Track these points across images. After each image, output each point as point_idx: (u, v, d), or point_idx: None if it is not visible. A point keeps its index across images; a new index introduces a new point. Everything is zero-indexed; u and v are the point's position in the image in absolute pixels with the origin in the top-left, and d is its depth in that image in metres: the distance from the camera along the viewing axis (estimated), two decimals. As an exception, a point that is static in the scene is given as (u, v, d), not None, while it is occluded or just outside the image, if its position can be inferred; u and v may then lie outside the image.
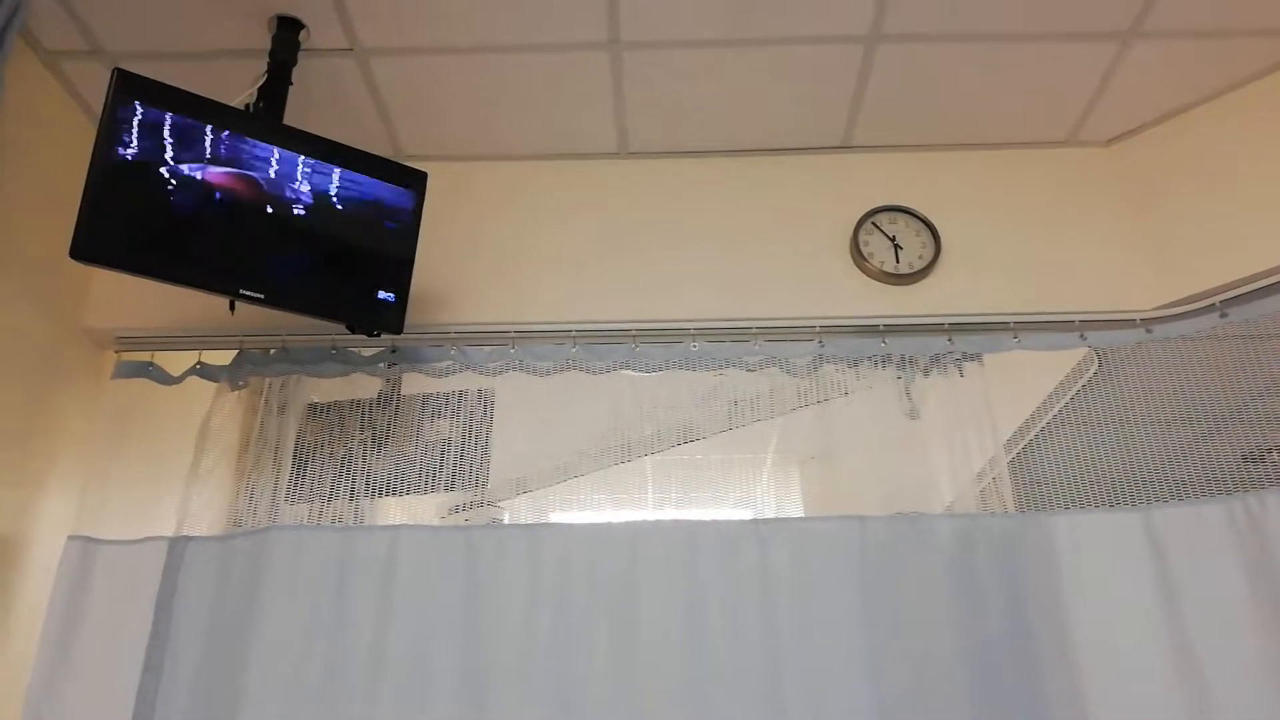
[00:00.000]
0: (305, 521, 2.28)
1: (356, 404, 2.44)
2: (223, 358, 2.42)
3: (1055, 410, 2.59)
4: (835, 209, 2.54)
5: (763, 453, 2.73)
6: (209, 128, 1.99)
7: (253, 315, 2.29)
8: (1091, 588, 2.02)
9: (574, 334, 2.43)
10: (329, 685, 1.99)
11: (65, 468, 2.29)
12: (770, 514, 2.45)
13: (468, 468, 2.35)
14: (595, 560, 2.11)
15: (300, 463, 2.36)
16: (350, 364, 2.41)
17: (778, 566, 2.09)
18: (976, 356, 2.39)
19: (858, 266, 2.47)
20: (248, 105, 2.16)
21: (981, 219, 2.52)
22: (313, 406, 2.45)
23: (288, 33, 2.22)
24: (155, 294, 2.37)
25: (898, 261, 2.45)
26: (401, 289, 2.19)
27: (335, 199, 2.13)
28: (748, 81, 2.42)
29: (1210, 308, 2.32)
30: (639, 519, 2.17)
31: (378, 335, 2.26)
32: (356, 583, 2.08)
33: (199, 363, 2.40)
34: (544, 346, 2.43)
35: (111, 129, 1.88)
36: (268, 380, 2.43)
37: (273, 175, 2.05)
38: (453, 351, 2.42)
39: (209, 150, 1.98)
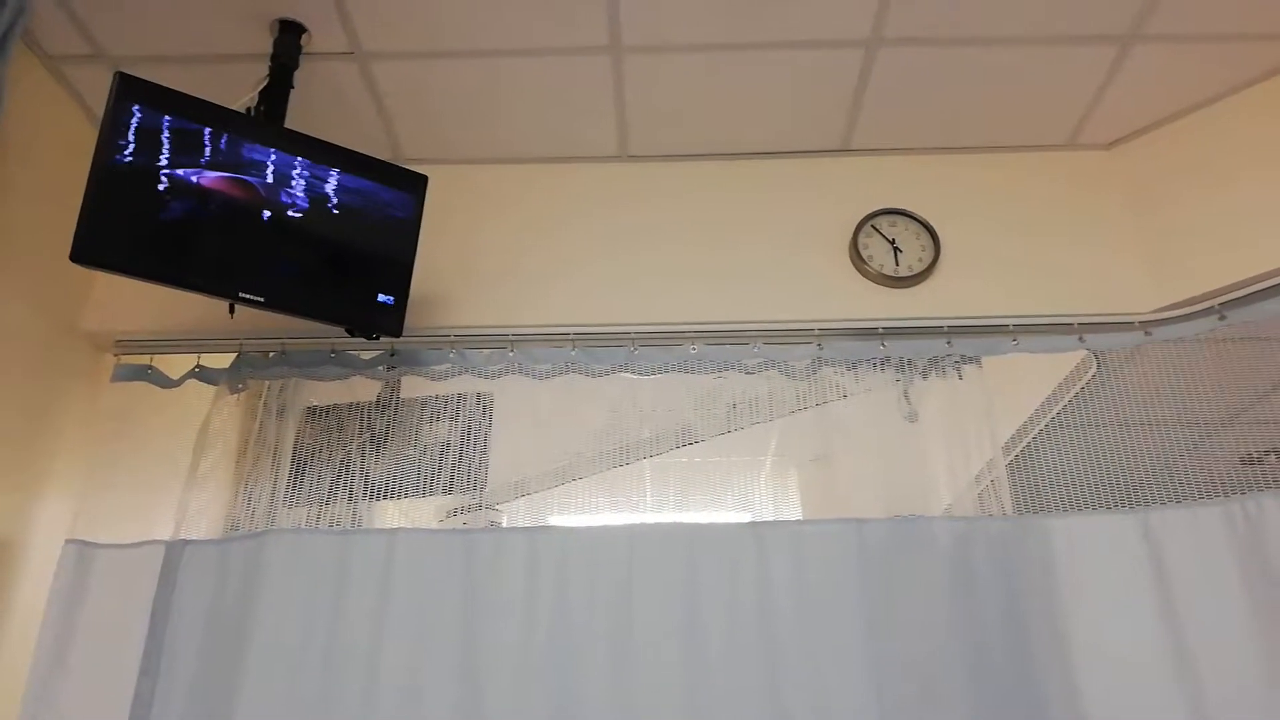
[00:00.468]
0: (303, 525, 2.28)
1: (355, 407, 2.44)
2: (222, 361, 2.42)
3: (1054, 413, 2.59)
4: (835, 212, 2.54)
5: (761, 455, 2.72)
6: (210, 131, 1.99)
7: (252, 318, 2.29)
8: (1089, 590, 2.02)
9: (573, 337, 2.43)
10: (326, 689, 1.99)
11: (63, 471, 2.29)
12: (769, 517, 2.44)
13: (466, 471, 2.35)
14: (594, 563, 2.10)
15: (299, 466, 2.36)
16: (349, 367, 2.42)
17: (776, 570, 2.09)
18: (975, 359, 2.39)
19: (857, 269, 2.47)
20: (249, 109, 2.17)
21: (981, 222, 2.53)
22: (311, 409, 2.45)
23: (289, 36, 2.23)
24: (154, 297, 2.37)
25: (897, 264, 2.45)
26: (401, 292, 2.19)
27: (335, 202, 2.13)
28: (748, 85, 2.42)
29: (1209, 310, 2.32)
30: (637, 522, 2.17)
31: (377, 338, 2.26)
32: (354, 586, 2.08)
33: (198, 366, 2.41)
34: (543, 349, 2.43)
35: (113, 132, 1.89)
36: (267, 383, 2.43)
37: (272, 179, 2.05)
38: (452, 354, 2.42)
39: (210, 154, 1.99)
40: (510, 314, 2.45)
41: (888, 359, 2.40)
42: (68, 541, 2.16)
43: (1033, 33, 2.26)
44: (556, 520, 2.31)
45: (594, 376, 2.41)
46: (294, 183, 2.08)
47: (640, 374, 2.41)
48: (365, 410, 2.44)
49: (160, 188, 1.92)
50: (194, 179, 1.96)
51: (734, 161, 2.65)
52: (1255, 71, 2.37)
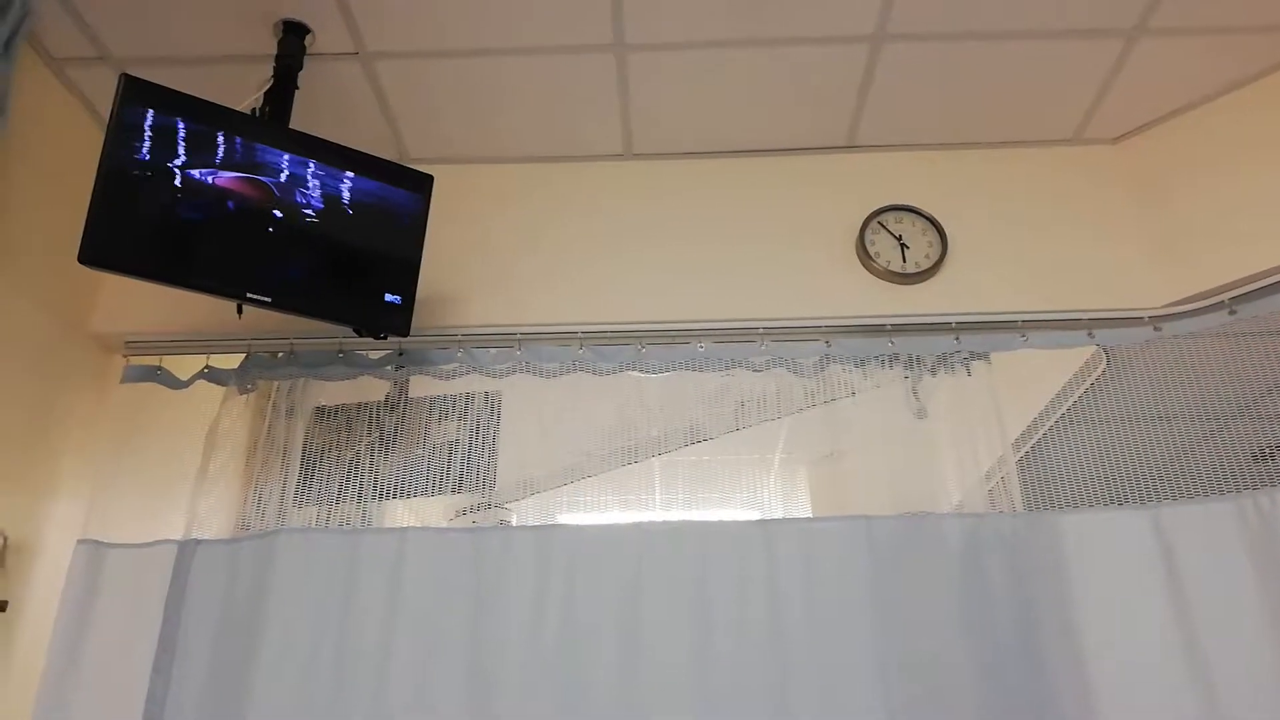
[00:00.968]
0: (313, 524, 2.29)
1: (364, 407, 2.45)
2: (230, 361, 2.42)
3: (1063, 409, 2.58)
4: (841, 209, 2.54)
5: (770, 453, 2.72)
6: (217, 133, 2.00)
7: (260, 319, 2.30)
8: (1100, 586, 2.01)
9: (580, 336, 2.43)
10: (337, 687, 2.00)
11: (74, 472, 2.30)
12: (778, 514, 2.44)
13: (475, 470, 2.35)
14: (603, 561, 2.11)
15: (308, 465, 2.36)
16: (357, 367, 2.42)
17: (785, 567, 2.09)
18: (984, 355, 2.38)
19: (864, 266, 2.46)
20: (254, 110, 2.17)
21: (988, 218, 2.52)
22: (320, 409, 2.45)
23: (293, 37, 2.23)
24: (163, 298, 2.38)
25: (904, 261, 2.44)
26: (408, 292, 2.20)
27: (344, 203, 2.13)
28: (753, 82, 2.42)
29: (1219, 305, 2.31)
30: (646, 520, 2.17)
31: (385, 338, 2.26)
32: (364, 585, 2.09)
33: (207, 366, 2.41)
34: (551, 348, 2.43)
35: (119, 134, 1.90)
36: (275, 383, 2.44)
37: (283, 180, 2.06)
38: (460, 354, 2.43)
39: (217, 155, 1.99)
40: (517, 313, 2.45)
41: (896, 356, 2.39)
42: (79, 542, 2.17)
43: (1038, 27, 2.25)
44: (566, 519, 2.31)
45: (602, 375, 2.41)
46: (309, 184, 2.08)
47: (648, 372, 2.41)
48: (374, 410, 2.44)
49: (169, 189, 1.92)
50: (205, 179, 1.96)
51: (739, 159, 2.65)
52: (1262, 64, 2.36)
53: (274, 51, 2.24)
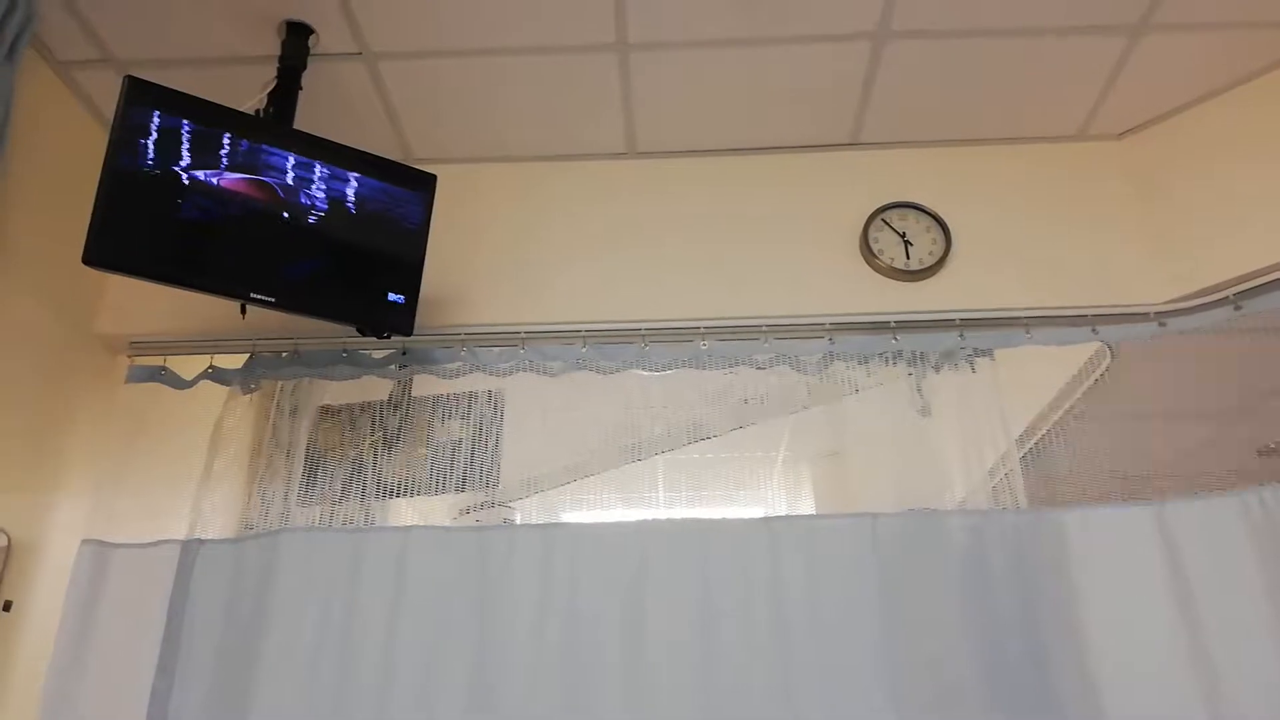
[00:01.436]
0: (317, 524, 2.29)
1: (367, 406, 2.45)
2: (234, 361, 2.43)
3: (1068, 405, 2.58)
4: (845, 206, 2.54)
5: (774, 451, 2.72)
6: (222, 134, 2.01)
7: (264, 319, 2.30)
8: (1105, 582, 2.01)
9: (583, 334, 2.43)
10: (340, 686, 2.00)
11: (79, 472, 2.30)
12: (782, 512, 2.43)
13: (479, 469, 2.36)
14: (606, 559, 2.10)
15: (312, 465, 2.37)
16: (361, 366, 2.42)
17: (789, 565, 2.09)
18: (988, 352, 2.38)
19: (868, 263, 2.46)
20: (258, 111, 2.18)
21: (992, 214, 2.51)
22: (324, 409, 2.45)
23: (297, 38, 2.24)
24: (167, 299, 2.39)
25: (908, 258, 2.44)
26: (411, 291, 2.20)
27: (348, 203, 2.13)
28: (755, 80, 2.42)
29: (1224, 301, 2.31)
30: (650, 518, 2.17)
31: (388, 337, 2.27)
32: (368, 584, 2.09)
33: (211, 367, 2.42)
34: (554, 347, 2.43)
35: (123, 136, 1.90)
36: (279, 383, 2.44)
37: (287, 180, 2.06)
38: (463, 353, 2.43)
39: (222, 156, 2.00)
40: (520, 312, 2.45)
41: (899, 353, 2.39)
42: (84, 541, 2.17)
43: (1042, 23, 2.25)
44: (569, 517, 2.31)
45: (605, 373, 2.41)
46: (313, 184, 2.09)
47: (651, 370, 2.41)
48: (377, 409, 2.44)
49: (173, 190, 1.93)
50: (209, 180, 1.97)
51: (742, 157, 2.65)
52: (1267, 60, 2.35)
53: (277, 52, 2.25)
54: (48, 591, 2.17)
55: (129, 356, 2.44)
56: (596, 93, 2.45)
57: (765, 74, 2.40)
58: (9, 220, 2.12)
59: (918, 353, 2.39)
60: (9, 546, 2.07)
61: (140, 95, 1.93)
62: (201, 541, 2.19)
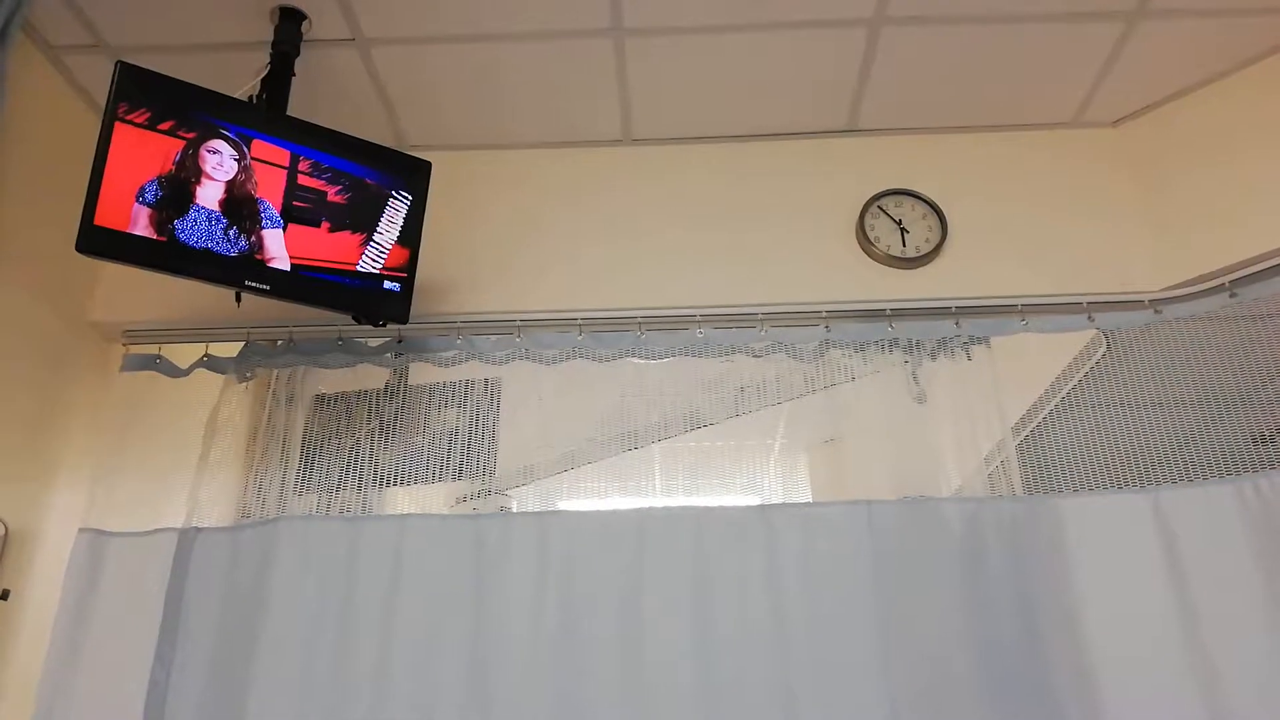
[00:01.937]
0: (313, 512, 2.29)
1: (363, 394, 2.45)
2: (230, 350, 2.43)
3: (1063, 393, 2.58)
4: (840, 193, 2.53)
5: (770, 438, 2.72)
6: (213, 120, 1.99)
7: (259, 307, 2.29)
8: (1100, 569, 2.02)
9: (580, 322, 2.42)
10: (338, 674, 2.00)
11: (74, 461, 2.30)
12: (778, 500, 2.44)
13: (475, 457, 2.36)
14: (603, 547, 2.11)
15: (308, 453, 2.37)
16: (357, 355, 2.42)
17: (786, 552, 2.09)
18: (984, 339, 2.38)
19: (864, 251, 2.46)
20: (251, 97, 2.16)
21: (988, 201, 2.51)
22: (320, 397, 2.45)
23: (290, 24, 2.22)
24: (162, 287, 2.38)
25: (904, 245, 2.44)
26: (407, 279, 2.19)
27: (341, 189, 2.12)
28: (751, 66, 2.41)
29: (1219, 288, 2.31)
30: (646, 506, 2.17)
31: (384, 325, 2.26)
32: (365, 572, 2.09)
33: (206, 355, 2.41)
34: (550, 335, 2.42)
35: (115, 122, 1.89)
36: (275, 372, 2.44)
37: (279, 167, 2.05)
38: (459, 341, 2.42)
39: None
40: (516, 300, 2.44)
41: (896, 340, 2.39)
42: (81, 530, 2.17)
43: (1037, 10, 2.24)
44: (566, 505, 2.31)
45: (601, 361, 2.41)
46: (300, 170, 2.08)
47: (648, 358, 2.41)
48: (373, 397, 2.44)
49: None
50: (203, 168, 1.96)
51: (738, 144, 2.64)
52: (1262, 47, 2.35)
53: (270, 38, 2.23)
54: (45, 580, 2.17)
55: (124, 345, 2.43)
56: (592, 79, 2.44)
57: (761, 60, 2.39)
58: (1, 208, 2.11)
59: (914, 340, 2.39)
60: (6, 535, 2.07)
61: (131, 81, 1.92)
62: (199, 530, 2.20)
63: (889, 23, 2.27)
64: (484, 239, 2.52)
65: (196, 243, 1.95)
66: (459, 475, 2.35)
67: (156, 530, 2.19)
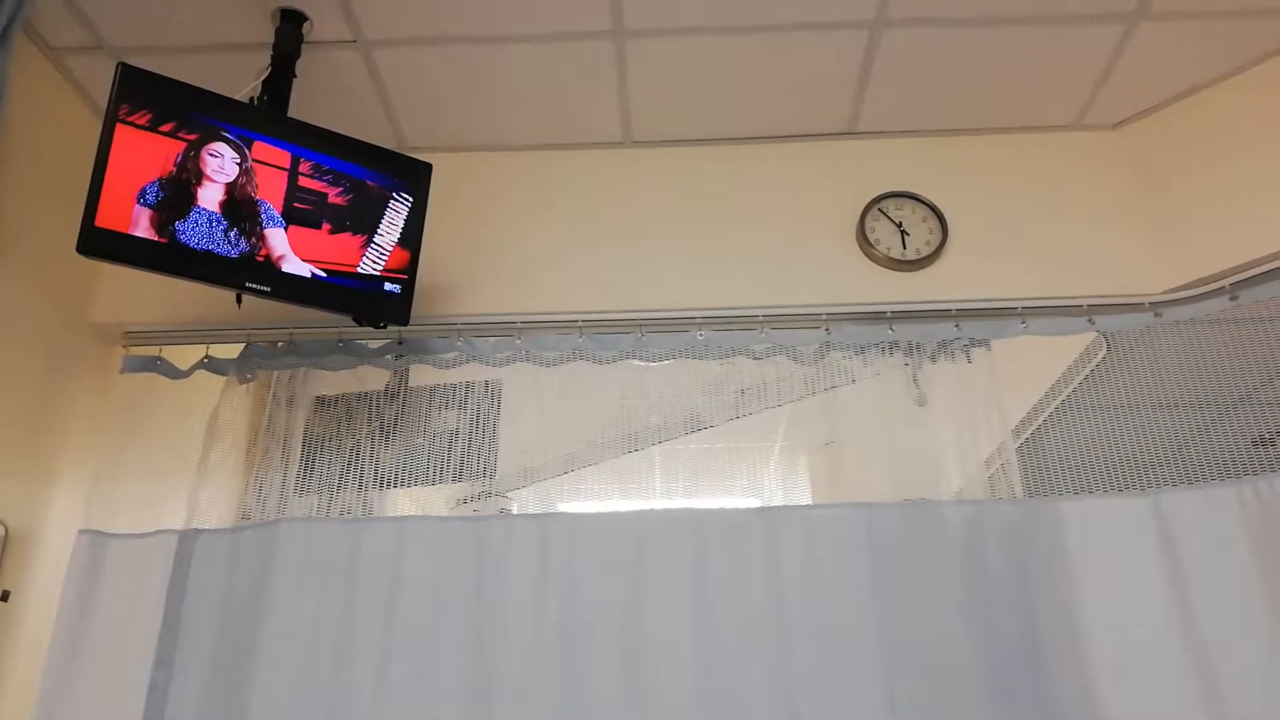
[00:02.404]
0: (314, 514, 2.29)
1: (364, 396, 2.45)
2: (230, 351, 2.42)
3: (1064, 395, 2.58)
4: (841, 196, 2.53)
5: (770, 441, 2.72)
6: (214, 122, 1.99)
7: (259, 309, 2.29)
8: (1100, 572, 2.01)
9: (580, 324, 2.42)
10: (339, 676, 2.00)
11: (75, 462, 2.30)
12: (778, 502, 2.44)
13: (475, 459, 2.36)
14: (603, 549, 2.11)
15: (309, 455, 2.36)
16: (357, 356, 2.42)
17: (786, 554, 2.09)
18: (984, 342, 2.38)
19: (864, 253, 2.46)
20: (252, 99, 2.16)
21: (988, 204, 2.51)
22: (320, 399, 2.45)
23: (291, 25, 2.22)
24: (162, 288, 2.38)
25: (904, 248, 2.44)
26: (407, 281, 2.19)
27: (342, 191, 2.13)
28: (752, 68, 2.41)
29: (1220, 290, 2.31)
30: (647, 508, 2.17)
31: (384, 327, 2.26)
32: (365, 574, 2.09)
33: (207, 357, 2.41)
34: (550, 337, 2.43)
35: (116, 124, 1.89)
36: (275, 373, 2.44)
37: (280, 169, 2.05)
38: (459, 343, 2.42)
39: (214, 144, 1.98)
40: (517, 301, 2.44)
41: (896, 343, 2.39)
42: (81, 532, 2.17)
43: (1038, 12, 2.24)
44: (566, 507, 2.31)
45: (602, 363, 2.41)
46: (301, 172, 2.08)
47: (648, 360, 2.41)
48: (374, 399, 2.44)
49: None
50: (204, 170, 1.96)
51: (739, 146, 2.64)
52: (1263, 49, 2.35)
53: (271, 40, 2.23)
54: (45, 581, 2.17)
55: (124, 346, 2.43)
56: (592, 81, 2.44)
57: (762, 62, 2.39)
58: (2, 210, 2.11)
59: (914, 343, 2.39)
60: (6, 536, 2.07)
61: (132, 83, 1.92)
62: (199, 531, 2.20)
63: (890, 25, 2.27)
64: (485, 241, 2.52)
65: (197, 244, 1.95)
66: (459, 477, 2.35)
67: (157, 532, 2.19)
